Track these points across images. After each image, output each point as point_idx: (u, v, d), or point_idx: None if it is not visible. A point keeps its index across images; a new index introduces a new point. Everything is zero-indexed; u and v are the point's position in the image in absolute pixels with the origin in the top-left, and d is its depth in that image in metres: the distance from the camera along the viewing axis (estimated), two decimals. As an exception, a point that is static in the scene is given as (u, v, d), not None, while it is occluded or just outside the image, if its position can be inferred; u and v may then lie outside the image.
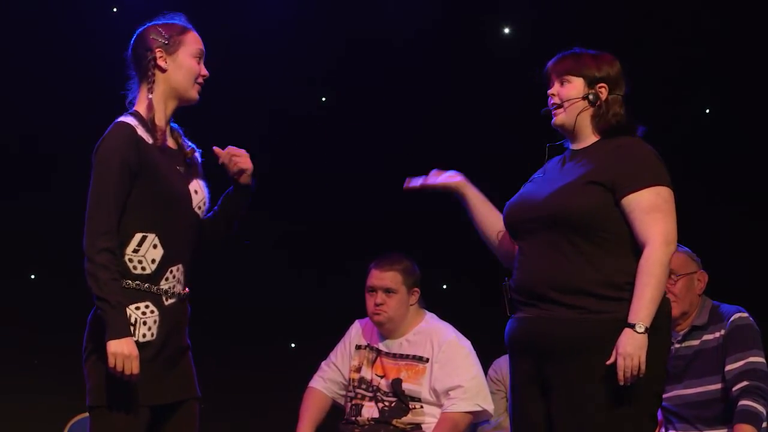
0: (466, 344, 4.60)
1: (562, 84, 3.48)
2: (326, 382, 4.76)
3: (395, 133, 6.13)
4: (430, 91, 6.13)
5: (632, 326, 3.21)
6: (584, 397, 3.26)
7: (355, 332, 4.76)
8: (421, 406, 4.53)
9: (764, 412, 4.08)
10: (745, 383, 4.09)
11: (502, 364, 5.07)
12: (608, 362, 3.23)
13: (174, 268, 3.30)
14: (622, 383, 3.21)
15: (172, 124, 3.42)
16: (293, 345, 6.50)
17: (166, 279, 3.30)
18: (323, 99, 6.47)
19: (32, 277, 6.30)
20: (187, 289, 3.38)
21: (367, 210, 6.12)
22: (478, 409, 4.49)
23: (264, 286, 6.22)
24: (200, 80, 3.39)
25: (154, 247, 3.26)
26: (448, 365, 4.51)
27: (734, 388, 4.10)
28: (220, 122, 5.76)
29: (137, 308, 3.23)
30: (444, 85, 6.17)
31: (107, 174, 3.21)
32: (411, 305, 4.64)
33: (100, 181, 3.22)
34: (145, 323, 3.23)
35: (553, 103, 3.50)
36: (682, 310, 4.23)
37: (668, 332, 3.41)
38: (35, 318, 5.97)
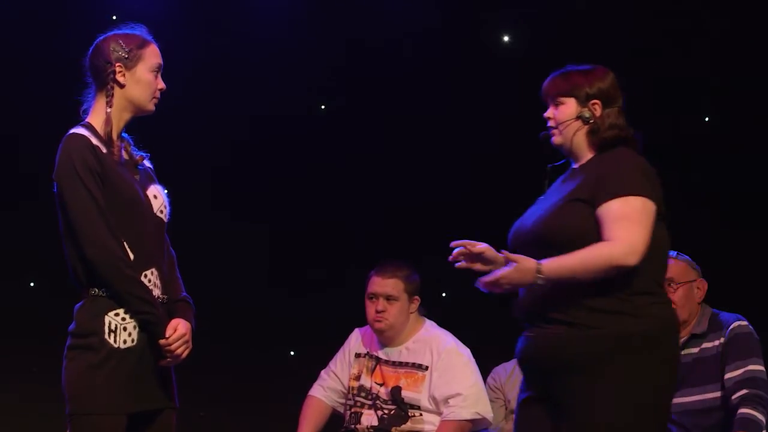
0: (466, 352, 4.59)
1: (556, 106, 3.46)
2: (326, 391, 4.76)
3: (395, 137, 6.13)
4: (429, 94, 6.14)
5: (538, 270, 3.18)
6: (592, 412, 3.24)
7: (355, 340, 4.76)
8: (421, 414, 4.53)
9: (764, 421, 4.08)
10: (744, 391, 4.08)
11: (501, 372, 5.08)
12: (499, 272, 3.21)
13: (148, 272, 3.26)
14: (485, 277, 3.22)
15: (122, 134, 3.38)
16: (293, 353, 6.50)
17: None
18: (323, 107, 6.47)
19: (32, 284, 6.29)
20: (166, 295, 3.32)
21: (367, 217, 6.12)
22: (478, 416, 4.49)
23: (263, 293, 6.21)
24: (157, 94, 3.37)
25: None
26: (447, 373, 4.51)
27: (734, 397, 4.10)
28: (219, 123, 5.78)
29: (116, 314, 3.20)
30: (444, 90, 6.18)
31: (80, 182, 3.18)
32: (411, 313, 4.64)
33: (76, 191, 3.19)
34: (125, 329, 3.21)
35: (550, 126, 3.49)
36: (682, 318, 4.22)
37: (674, 344, 3.35)
38: (34, 325, 5.96)
